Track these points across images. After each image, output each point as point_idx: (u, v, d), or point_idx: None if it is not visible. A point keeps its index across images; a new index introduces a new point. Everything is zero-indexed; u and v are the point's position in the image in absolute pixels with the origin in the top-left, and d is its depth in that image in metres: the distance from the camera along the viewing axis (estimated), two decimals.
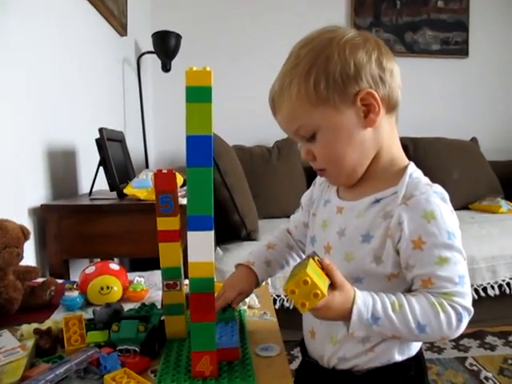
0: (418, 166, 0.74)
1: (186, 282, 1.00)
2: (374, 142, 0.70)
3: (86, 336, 0.75)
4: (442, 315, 0.62)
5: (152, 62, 2.71)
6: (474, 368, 1.76)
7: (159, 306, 0.97)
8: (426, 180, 0.71)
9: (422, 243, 0.65)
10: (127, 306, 0.96)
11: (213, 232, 0.63)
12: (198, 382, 0.63)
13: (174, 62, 2.46)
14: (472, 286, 1.99)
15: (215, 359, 0.64)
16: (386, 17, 3.01)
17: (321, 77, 0.66)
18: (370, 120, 0.68)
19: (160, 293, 1.08)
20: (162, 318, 0.79)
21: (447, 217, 0.65)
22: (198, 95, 0.61)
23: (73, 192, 1.55)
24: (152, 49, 2.43)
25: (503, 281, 2.03)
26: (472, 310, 0.64)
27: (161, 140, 2.91)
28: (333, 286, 0.62)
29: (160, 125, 2.91)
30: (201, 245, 0.63)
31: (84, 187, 1.63)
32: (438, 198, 0.66)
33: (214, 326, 0.64)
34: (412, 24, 3.03)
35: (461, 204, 2.49)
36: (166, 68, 2.47)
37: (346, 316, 0.63)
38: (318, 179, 0.86)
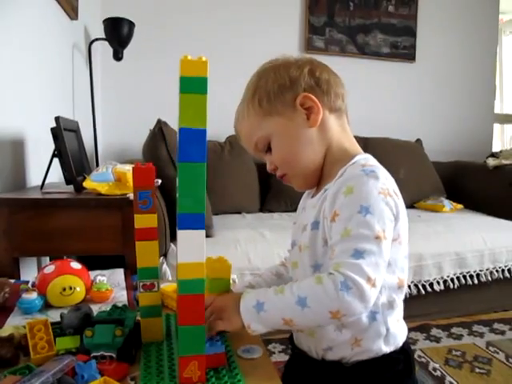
0: None
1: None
2: (322, 139, 0.77)
3: (53, 342, 0.69)
4: (318, 285, 0.63)
5: (102, 50, 2.58)
6: (423, 360, 1.84)
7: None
8: (366, 161, 0.73)
9: (336, 216, 0.68)
10: (92, 308, 0.90)
11: (204, 231, 0.60)
12: None
13: (126, 51, 2.36)
14: (419, 281, 2.08)
15: (204, 364, 0.61)
16: (339, 17, 3.06)
17: (263, 94, 0.76)
18: (313, 120, 0.75)
19: (125, 293, 1.03)
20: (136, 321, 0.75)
21: (367, 191, 0.67)
22: (193, 86, 0.57)
23: (20, 185, 1.44)
24: (103, 35, 2.32)
25: (448, 276, 2.13)
26: (362, 285, 0.61)
27: (109, 132, 2.79)
28: None
29: (108, 116, 2.78)
30: (191, 244, 0.59)
31: (33, 179, 1.52)
32: (363, 174, 0.68)
33: (203, 329, 0.61)
34: (364, 26, 3.10)
35: (407, 202, 2.51)
36: (117, 56, 2.36)
37: (234, 310, 0.68)
38: (305, 193, 0.89)
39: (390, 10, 3.14)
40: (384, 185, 0.69)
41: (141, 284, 0.73)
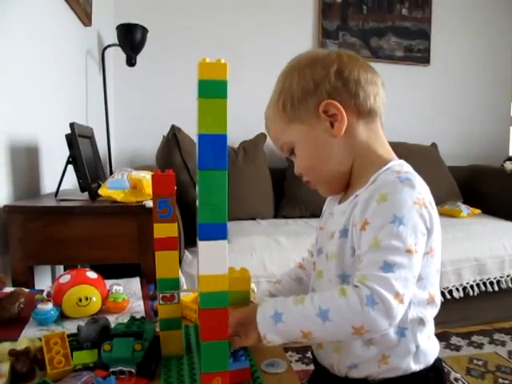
0: None
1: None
2: (348, 148, 0.72)
3: (70, 356, 0.67)
4: (342, 297, 0.59)
5: (115, 56, 2.58)
6: (444, 369, 1.78)
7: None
8: (401, 168, 0.69)
9: (366, 224, 0.64)
10: (109, 319, 0.88)
11: (226, 242, 0.58)
12: None
13: (138, 57, 2.36)
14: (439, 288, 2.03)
15: (227, 380, 0.58)
16: (352, 21, 3.03)
17: (287, 98, 0.73)
18: (337, 129, 0.71)
19: (141, 303, 1.00)
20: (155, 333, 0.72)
21: (401, 200, 0.63)
22: (212, 90, 0.55)
23: (35, 192, 1.43)
24: (116, 41, 2.32)
25: (467, 283, 2.08)
26: (390, 301, 0.57)
27: (122, 138, 2.78)
28: None
29: (121, 122, 2.77)
30: (213, 256, 0.57)
31: (47, 187, 1.51)
32: (398, 181, 0.65)
33: (226, 344, 0.58)
34: (377, 30, 3.07)
35: None
36: (130, 62, 2.35)
37: (249, 318, 0.65)
38: (329, 196, 0.86)
39: (403, 14, 3.10)
40: (420, 194, 0.65)
41: (161, 295, 0.71)
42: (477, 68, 3.30)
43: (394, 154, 0.75)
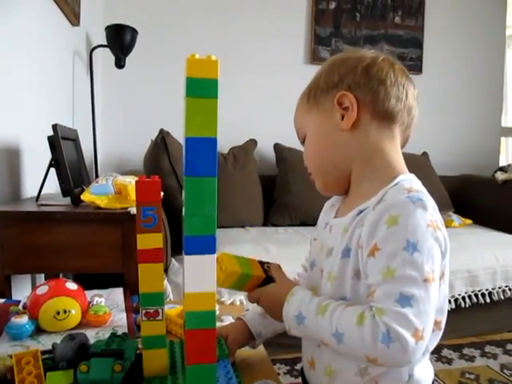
0: None
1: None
2: (353, 146, 0.69)
3: (44, 378, 0.62)
4: (358, 326, 0.56)
5: (103, 57, 2.53)
6: None
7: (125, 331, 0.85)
8: (411, 185, 0.64)
9: (376, 250, 0.59)
10: (88, 333, 0.83)
11: (215, 256, 0.53)
12: None
13: (128, 59, 2.31)
14: None
15: None
16: (345, 28, 3.01)
17: (313, 90, 0.73)
18: (344, 122, 0.69)
19: (124, 315, 0.95)
20: (137, 351, 0.67)
21: (414, 224, 0.58)
22: (202, 89, 0.50)
23: (16, 196, 1.37)
24: (105, 42, 2.26)
25: (459, 295, 2.05)
26: (407, 339, 0.53)
27: (109, 142, 2.71)
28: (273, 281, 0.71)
29: (109, 125, 2.71)
30: (201, 272, 0.52)
31: (29, 191, 1.44)
32: (410, 202, 0.59)
33: (215, 369, 0.53)
34: (370, 37, 3.05)
35: None
36: (119, 64, 2.30)
37: (277, 308, 0.66)
38: (325, 205, 0.82)
39: (396, 22, 3.09)
40: (432, 216, 0.60)
41: (143, 311, 0.66)
42: (469, 77, 3.30)
43: (404, 167, 0.70)
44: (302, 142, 0.77)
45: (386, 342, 0.53)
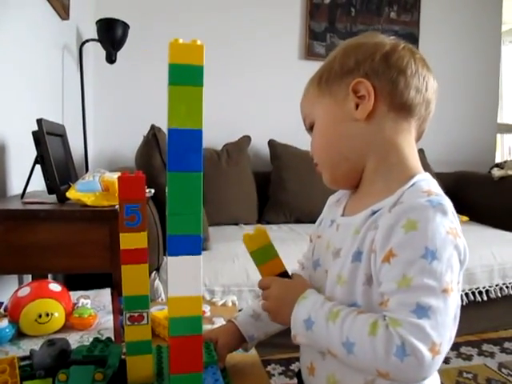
0: None
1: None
2: (366, 139, 0.65)
3: None
4: (370, 336, 0.52)
5: (94, 52, 2.48)
6: None
7: (112, 335, 0.81)
8: (429, 187, 0.60)
9: (391, 256, 0.55)
10: (72, 337, 0.79)
11: (201, 257, 0.49)
12: None
13: (119, 54, 2.26)
14: None
15: None
16: (340, 23, 2.97)
17: (325, 75, 0.68)
18: (359, 111, 0.64)
19: (111, 318, 0.91)
20: (122, 357, 0.63)
21: (434, 231, 0.54)
22: (186, 76, 0.47)
23: (1, 193, 1.32)
24: (95, 37, 2.22)
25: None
26: (423, 354, 0.50)
27: (100, 138, 2.66)
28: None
29: (100, 121, 2.65)
30: (185, 274, 0.48)
31: (15, 188, 1.40)
32: (429, 206, 0.55)
33: (201, 378, 0.49)
34: (365, 32, 3.02)
35: None
36: (110, 59, 2.25)
37: (287, 309, 0.62)
38: (329, 200, 0.78)
39: (392, 17, 3.06)
40: (452, 223, 0.56)
41: (127, 315, 0.62)
42: (464, 73, 3.28)
43: (419, 165, 0.66)
44: (309, 131, 0.72)
45: (401, 355, 0.50)
